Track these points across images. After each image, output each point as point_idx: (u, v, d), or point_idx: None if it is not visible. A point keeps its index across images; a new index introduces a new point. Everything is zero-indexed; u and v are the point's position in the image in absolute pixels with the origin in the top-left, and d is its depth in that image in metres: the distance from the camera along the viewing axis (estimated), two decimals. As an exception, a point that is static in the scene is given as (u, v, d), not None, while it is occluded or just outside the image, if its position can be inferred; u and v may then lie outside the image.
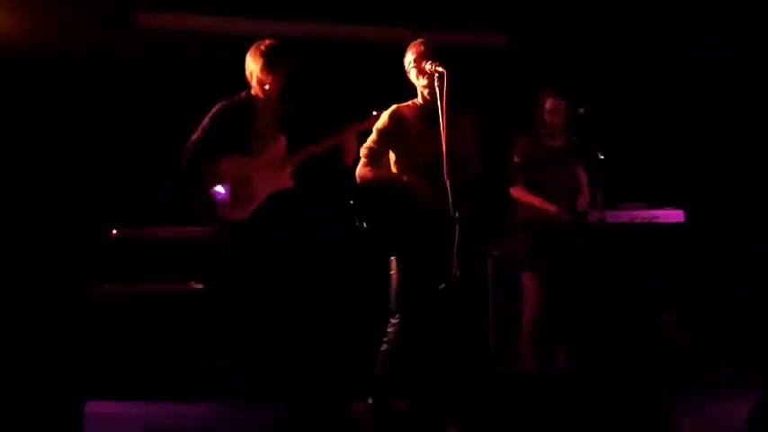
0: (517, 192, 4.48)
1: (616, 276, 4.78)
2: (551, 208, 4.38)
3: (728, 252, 5.23)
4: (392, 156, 3.72)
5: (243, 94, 3.87)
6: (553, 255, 4.37)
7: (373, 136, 3.72)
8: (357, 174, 3.72)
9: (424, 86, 3.60)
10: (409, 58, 3.65)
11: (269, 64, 3.77)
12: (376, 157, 3.71)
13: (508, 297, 4.77)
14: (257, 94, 3.84)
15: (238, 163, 3.77)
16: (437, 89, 3.39)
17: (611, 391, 4.23)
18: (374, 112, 3.80)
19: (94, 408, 2.34)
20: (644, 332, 4.96)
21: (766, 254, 5.13)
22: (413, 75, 3.66)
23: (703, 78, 5.43)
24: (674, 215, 5.03)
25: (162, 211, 4.62)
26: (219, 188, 3.72)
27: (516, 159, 4.48)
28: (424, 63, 3.55)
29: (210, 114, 3.79)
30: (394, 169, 3.71)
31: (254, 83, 3.83)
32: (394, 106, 3.74)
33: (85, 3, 4.73)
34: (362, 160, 3.72)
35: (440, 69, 3.41)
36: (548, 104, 4.48)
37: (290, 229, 3.85)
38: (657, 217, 5.01)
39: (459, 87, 3.49)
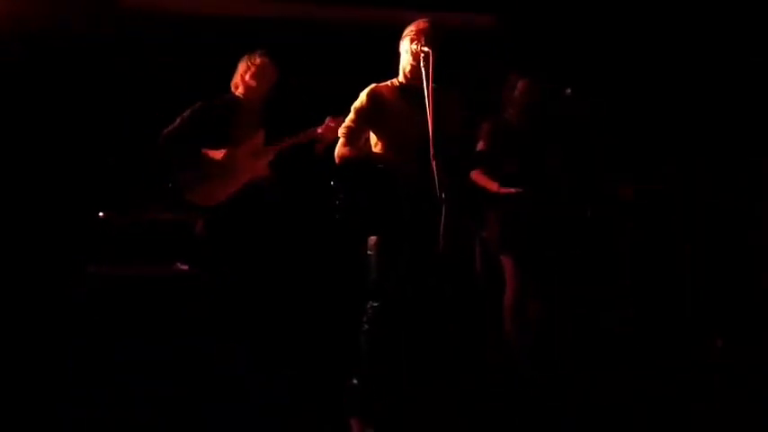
0: (476, 175, 4.32)
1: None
2: (510, 191, 4.23)
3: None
4: (373, 136, 3.67)
5: (227, 95, 4.21)
6: (526, 235, 4.30)
7: (351, 115, 3.64)
8: (336, 153, 3.65)
9: (409, 64, 3.54)
10: (406, 32, 3.56)
11: (258, 73, 4.15)
12: (354, 136, 3.66)
13: (496, 277, 4.75)
14: (241, 95, 4.19)
15: (217, 151, 4.06)
16: (422, 69, 3.34)
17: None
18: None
19: (78, 387, 2.34)
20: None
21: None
22: (402, 48, 3.59)
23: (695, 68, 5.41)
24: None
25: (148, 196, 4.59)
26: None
27: (480, 144, 4.35)
28: (413, 42, 3.50)
29: (192, 108, 4.09)
30: (375, 149, 3.66)
31: (239, 84, 4.19)
32: (372, 85, 3.67)
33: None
34: (341, 139, 3.65)
35: (425, 49, 3.36)
36: (520, 84, 4.35)
37: (266, 217, 4.08)
38: None
39: (446, 69, 3.45)
